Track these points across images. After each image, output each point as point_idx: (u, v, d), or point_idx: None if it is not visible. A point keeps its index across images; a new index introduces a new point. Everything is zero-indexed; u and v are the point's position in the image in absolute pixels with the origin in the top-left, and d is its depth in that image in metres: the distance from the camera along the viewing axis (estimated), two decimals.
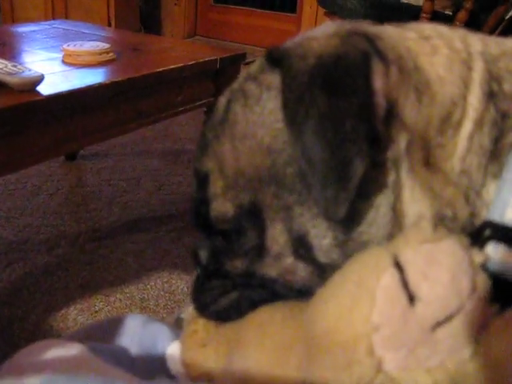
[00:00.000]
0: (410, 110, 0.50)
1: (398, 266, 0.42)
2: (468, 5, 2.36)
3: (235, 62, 1.86)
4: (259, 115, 0.52)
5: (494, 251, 0.48)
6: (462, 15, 2.39)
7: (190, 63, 1.68)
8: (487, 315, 0.44)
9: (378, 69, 0.48)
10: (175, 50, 1.88)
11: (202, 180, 0.56)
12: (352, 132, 0.46)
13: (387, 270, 0.42)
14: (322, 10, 3.29)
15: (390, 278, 0.42)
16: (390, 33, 0.55)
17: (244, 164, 0.52)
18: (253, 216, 0.53)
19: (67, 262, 1.75)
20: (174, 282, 1.69)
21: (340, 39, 0.50)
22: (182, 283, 1.68)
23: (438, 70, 0.52)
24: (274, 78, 0.52)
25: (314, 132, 0.46)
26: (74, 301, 1.58)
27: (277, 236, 0.52)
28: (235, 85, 0.57)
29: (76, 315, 1.52)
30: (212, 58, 1.75)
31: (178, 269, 1.75)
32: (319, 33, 0.53)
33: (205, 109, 1.89)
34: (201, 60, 1.72)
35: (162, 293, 1.64)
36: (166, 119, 1.83)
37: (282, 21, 4.56)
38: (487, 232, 0.48)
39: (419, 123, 0.50)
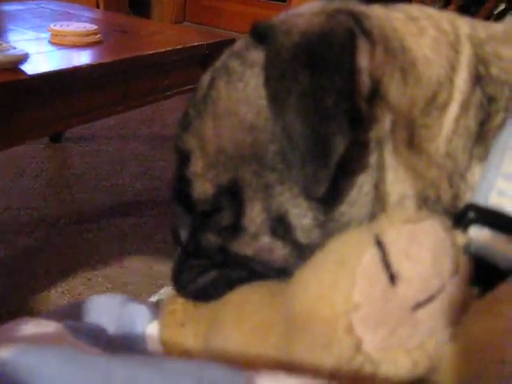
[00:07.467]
0: (394, 90, 0.49)
1: (380, 246, 0.42)
2: None
3: (223, 47, 1.83)
4: (242, 92, 0.51)
5: (477, 234, 0.48)
6: (451, 9, 2.40)
7: (178, 47, 1.66)
8: (468, 297, 0.43)
9: (363, 47, 0.47)
10: (163, 33, 1.86)
11: (183, 158, 0.55)
12: (333, 109, 0.45)
13: (369, 249, 0.42)
14: None
15: (371, 257, 0.41)
16: (377, 13, 0.54)
17: (225, 141, 0.52)
18: (232, 195, 0.52)
19: (49, 245, 1.74)
20: (156, 266, 1.68)
21: (326, 17, 0.49)
22: (164, 268, 1.67)
23: (425, 51, 0.51)
24: (257, 55, 0.52)
25: (295, 109, 0.46)
26: (56, 284, 1.57)
27: (255, 215, 0.52)
28: (219, 62, 0.57)
29: (57, 298, 1.51)
30: (200, 43, 1.74)
31: (160, 254, 1.74)
32: (305, 10, 0.53)
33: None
34: (188, 44, 1.71)
35: (144, 277, 1.63)
36: (153, 103, 1.81)
37: (271, 9, 4.53)
38: (471, 215, 0.48)
39: (404, 103, 0.50)
